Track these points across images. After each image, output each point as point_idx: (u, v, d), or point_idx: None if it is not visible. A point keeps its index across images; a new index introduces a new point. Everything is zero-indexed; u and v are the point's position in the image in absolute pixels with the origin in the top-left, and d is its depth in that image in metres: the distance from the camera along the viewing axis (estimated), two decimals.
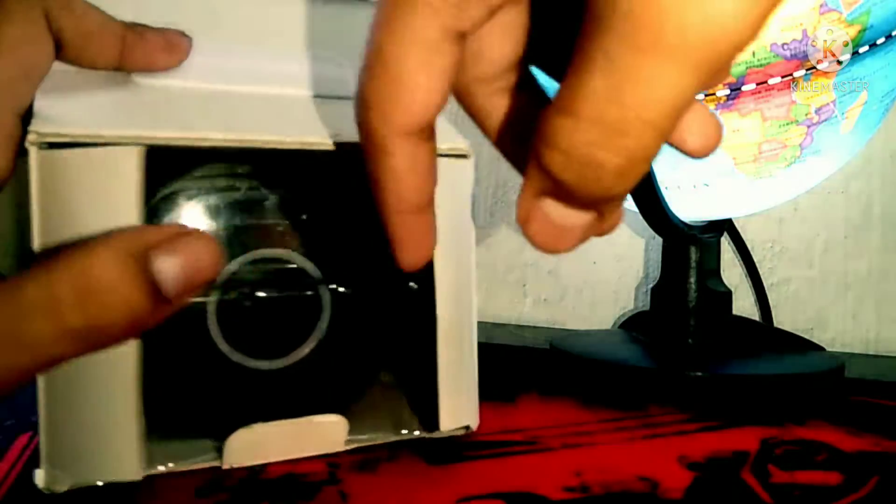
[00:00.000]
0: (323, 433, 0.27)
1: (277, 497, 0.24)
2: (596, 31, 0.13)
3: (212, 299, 0.27)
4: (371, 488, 0.25)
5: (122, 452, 0.23)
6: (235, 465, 0.26)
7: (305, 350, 0.29)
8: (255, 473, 0.26)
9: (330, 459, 0.28)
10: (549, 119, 0.14)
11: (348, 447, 0.28)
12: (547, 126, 0.14)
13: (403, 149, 0.18)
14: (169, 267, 0.18)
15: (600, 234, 0.18)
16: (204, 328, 0.27)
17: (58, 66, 0.25)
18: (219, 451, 0.26)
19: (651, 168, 0.37)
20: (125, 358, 0.23)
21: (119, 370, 0.23)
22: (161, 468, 0.25)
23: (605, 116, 0.13)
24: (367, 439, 0.29)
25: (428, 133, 0.19)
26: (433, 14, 0.16)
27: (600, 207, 0.17)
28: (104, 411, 0.23)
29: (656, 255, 0.51)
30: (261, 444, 0.26)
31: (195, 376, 0.27)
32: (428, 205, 0.20)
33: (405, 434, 0.30)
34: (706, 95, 0.38)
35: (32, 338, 0.17)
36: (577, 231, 0.17)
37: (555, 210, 0.16)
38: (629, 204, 0.41)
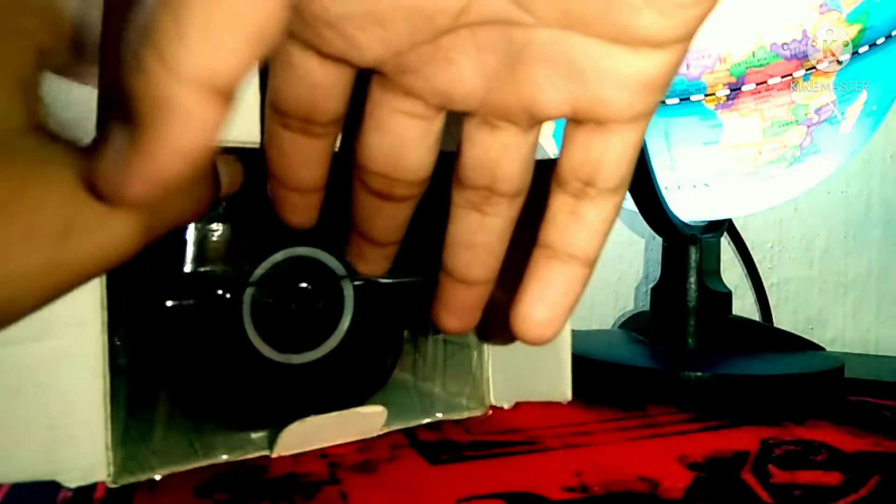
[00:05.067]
0: (364, 422, 0.29)
1: (278, 497, 0.24)
2: None
3: (246, 298, 0.28)
4: (371, 488, 0.25)
5: (89, 458, 0.23)
6: (285, 454, 0.28)
7: (333, 343, 0.31)
8: (255, 473, 0.26)
9: (330, 459, 0.28)
10: None
11: (382, 431, 0.30)
12: None
13: None
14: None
15: None
16: (240, 326, 0.28)
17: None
18: (252, 442, 0.28)
19: (651, 168, 0.37)
20: (91, 366, 0.23)
21: (85, 378, 0.23)
22: (206, 461, 0.26)
23: None
24: (399, 423, 0.31)
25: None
26: None
27: None
28: (69, 416, 0.23)
29: (656, 255, 0.51)
30: (310, 434, 0.28)
31: (233, 372, 0.29)
32: None
33: (432, 417, 0.32)
34: (706, 96, 0.38)
35: None
36: None
37: None
38: (629, 204, 0.41)
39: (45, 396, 0.22)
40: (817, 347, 0.46)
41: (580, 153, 0.19)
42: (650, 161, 0.37)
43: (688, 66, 0.38)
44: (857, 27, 0.37)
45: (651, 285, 0.47)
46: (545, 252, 0.20)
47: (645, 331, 0.47)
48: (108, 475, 0.23)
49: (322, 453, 0.29)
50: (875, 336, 0.59)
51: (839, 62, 0.38)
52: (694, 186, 0.42)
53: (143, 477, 0.24)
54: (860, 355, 0.55)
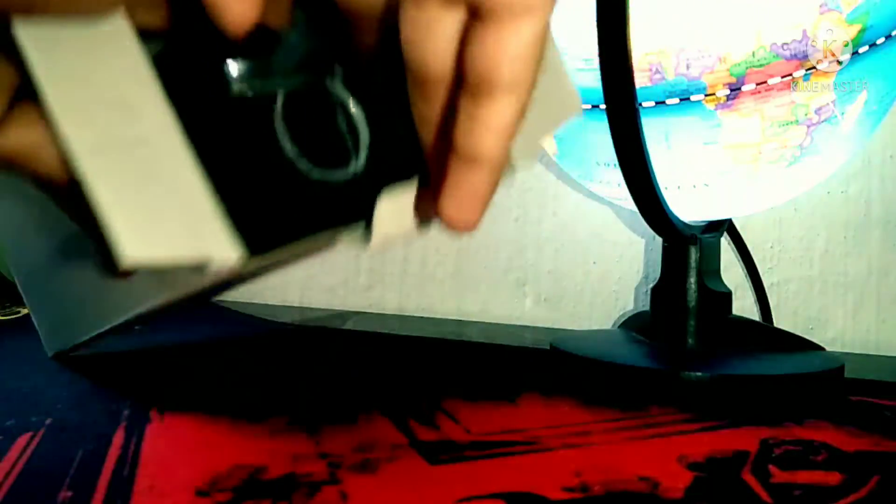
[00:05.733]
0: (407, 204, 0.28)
1: (278, 497, 0.24)
2: None
3: (277, 112, 0.27)
4: (371, 488, 0.25)
5: (219, 239, 0.22)
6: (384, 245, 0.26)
7: (359, 162, 0.30)
8: (255, 473, 0.26)
9: (330, 459, 0.28)
10: None
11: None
12: None
13: None
14: None
15: None
16: (273, 139, 0.28)
17: None
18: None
19: (651, 168, 0.37)
20: (182, 158, 0.22)
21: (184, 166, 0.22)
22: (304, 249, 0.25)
23: None
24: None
25: None
26: None
27: None
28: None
29: (656, 255, 0.51)
30: (396, 213, 0.27)
31: (266, 184, 0.28)
32: None
33: None
34: (706, 96, 0.38)
35: None
36: None
37: None
38: (629, 204, 0.41)
39: (168, 183, 0.22)
40: (817, 347, 0.46)
41: (477, 50, 0.19)
42: (650, 161, 0.37)
43: (688, 66, 0.38)
44: (857, 27, 0.37)
45: (651, 285, 0.47)
46: (452, 152, 0.21)
47: (645, 331, 0.47)
48: (237, 256, 0.22)
49: (322, 453, 0.29)
50: (875, 336, 0.59)
51: (839, 62, 0.38)
52: (694, 186, 0.42)
53: (265, 262, 0.24)
54: (860, 355, 0.55)
